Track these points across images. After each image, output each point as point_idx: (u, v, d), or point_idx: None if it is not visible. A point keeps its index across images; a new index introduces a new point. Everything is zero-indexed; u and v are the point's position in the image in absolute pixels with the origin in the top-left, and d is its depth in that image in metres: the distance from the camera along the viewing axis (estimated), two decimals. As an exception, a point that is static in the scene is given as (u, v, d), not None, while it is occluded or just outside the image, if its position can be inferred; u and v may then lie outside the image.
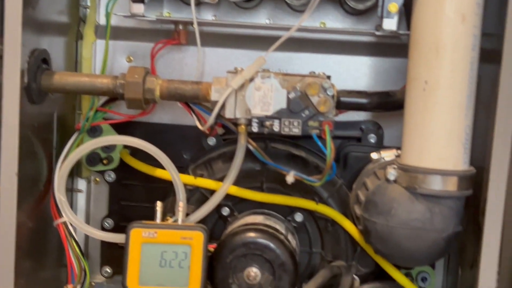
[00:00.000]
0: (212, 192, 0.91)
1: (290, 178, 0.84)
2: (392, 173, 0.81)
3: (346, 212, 0.92)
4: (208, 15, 1.01)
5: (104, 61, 0.93)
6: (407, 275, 0.97)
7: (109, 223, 1.01)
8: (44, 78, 0.85)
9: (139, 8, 0.88)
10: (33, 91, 0.84)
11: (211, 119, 0.85)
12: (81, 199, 1.06)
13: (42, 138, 0.91)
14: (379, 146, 0.95)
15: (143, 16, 0.90)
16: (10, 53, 0.79)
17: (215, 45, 1.01)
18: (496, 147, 0.76)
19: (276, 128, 0.84)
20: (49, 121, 0.93)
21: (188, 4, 0.97)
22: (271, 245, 0.84)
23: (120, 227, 1.00)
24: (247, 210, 0.95)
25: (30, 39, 0.83)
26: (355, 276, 0.92)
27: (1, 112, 0.80)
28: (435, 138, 0.76)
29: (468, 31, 0.75)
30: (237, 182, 0.89)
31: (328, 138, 0.82)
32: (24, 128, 0.82)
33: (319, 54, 1.00)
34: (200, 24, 0.95)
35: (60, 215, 0.90)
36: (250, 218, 0.92)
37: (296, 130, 0.84)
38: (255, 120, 0.84)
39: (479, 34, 0.76)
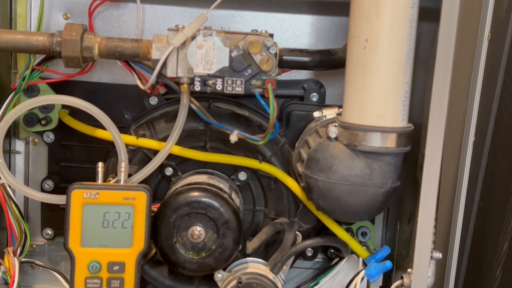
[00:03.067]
0: (155, 152, 0.90)
1: (233, 137, 0.84)
2: (333, 131, 0.82)
3: (289, 170, 0.93)
4: (147, -31, 0.98)
5: (39, 18, 0.90)
6: (348, 230, 0.99)
7: (49, 184, 0.99)
8: (-25, 35, 0.82)
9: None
10: (-36, 49, 0.80)
11: (152, 78, 0.84)
12: (19, 160, 1.03)
13: (-25, 98, 0.88)
14: (321, 104, 0.95)
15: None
16: None
17: (155, 2, 0.99)
18: (434, 104, 0.78)
19: (219, 87, 0.83)
20: (-18, 81, 0.90)
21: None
22: (215, 203, 0.85)
23: (60, 189, 0.98)
24: (191, 170, 0.95)
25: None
26: (297, 232, 0.93)
27: None
28: (374, 96, 0.78)
29: (408, -11, 0.76)
30: (180, 142, 0.88)
31: (271, 97, 0.82)
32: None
33: (262, 12, 1.00)
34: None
35: (-2, 177, 0.87)
36: (194, 178, 0.92)
37: (239, 89, 0.83)
38: (197, 79, 0.83)
39: (418, -8, 0.77)
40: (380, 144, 0.78)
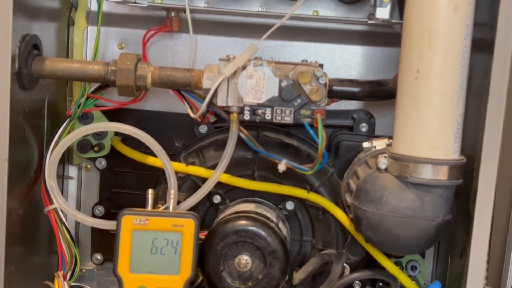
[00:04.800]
0: (203, 180, 0.90)
1: (281, 166, 0.84)
2: (383, 162, 0.81)
3: (337, 200, 0.92)
4: (201, 2, 1.00)
5: (95, 47, 0.93)
6: (397, 263, 0.97)
7: (100, 210, 1.01)
8: (35, 64, 0.85)
9: (131, -6, 0.88)
10: (24, 77, 0.83)
11: (203, 107, 0.85)
12: (72, 185, 1.05)
13: (33, 124, 0.90)
14: (371, 135, 0.95)
15: (135, 3, 0.90)
16: (1, 39, 0.78)
17: (207, 32, 1.01)
18: (487, 136, 0.76)
19: (268, 116, 0.84)
20: (40, 107, 0.93)
21: (180, -10, 0.97)
22: (262, 233, 0.84)
23: (111, 214, 1.00)
24: (239, 198, 0.95)
25: (21, 24, 0.82)
26: (345, 264, 0.92)
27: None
28: (426, 127, 0.77)
29: (461, 21, 0.75)
30: (228, 170, 0.88)
31: (320, 127, 0.82)
32: (15, 114, 0.82)
33: (312, 42, 1.00)
34: (192, 11, 0.95)
35: (51, 202, 0.89)
36: (241, 206, 0.92)
37: (288, 119, 0.84)
38: (247, 108, 0.84)
39: (471, 23, 0.76)
40: (431, 176, 0.77)
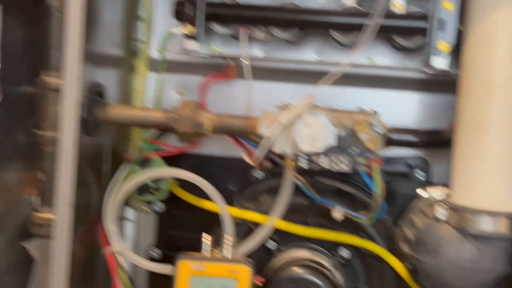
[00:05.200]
0: (258, 225, 0.91)
1: (337, 214, 0.85)
2: (441, 212, 0.80)
3: (393, 249, 0.91)
4: (257, 50, 1.02)
5: (157, 95, 0.96)
6: (454, 314, 0.95)
7: (156, 252, 1.03)
8: (99, 111, 0.88)
9: (192, 45, 0.91)
10: (89, 123, 0.87)
11: (259, 154, 0.86)
12: (129, 228, 1.08)
13: (94, 168, 0.93)
14: (427, 183, 0.94)
15: (196, 52, 0.93)
16: (69, 87, 0.82)
17: (262, 79, 1.03)
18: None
19: (324, 164, 0.84)
20: (101, 152, 0.96)
21: (237, 39, 1.00)
22: (317, 281, 0.84)
23: (167, 257, 1.01)
24: (293, 244, 0.95)
25: (88, 72, 0.86)
26: (401, 313, 0.91)
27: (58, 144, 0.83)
28: (485, 178, 0.76)
29: (520, 71, 0.75)
30: (283, 216, 0.89)
31: (377, 176, 0.82)
32: (79, 159, 0.85)
33: (366, 89, 1.01)
34: (249, 59, 0.98)
35: (110, 244, 0.91)
36: (295, 252, 0.92)
37: (345, 167, 0.84)
38: (303, 156, 0.85)
39: (531, 74, 0.76)
40: (491, 229, 0.76)
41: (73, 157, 0.82)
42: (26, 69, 0.94)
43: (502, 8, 0.74)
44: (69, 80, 0.82)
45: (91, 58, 0.87)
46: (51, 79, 0.85)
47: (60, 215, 0.83)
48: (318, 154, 0.84)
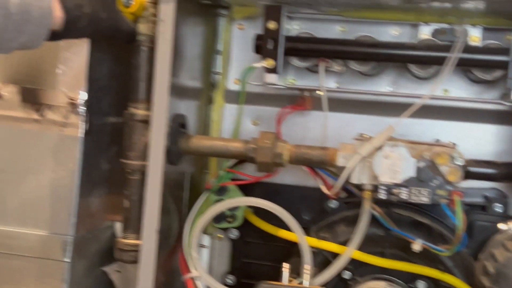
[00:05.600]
0: (334, 255, 0.92)
1: (417, 246, 0.85)
2: (524, 246, 0.80)
3: (471, 282, 0.90)
4: (332, 82, 1.04)
5: (236, 126, 0.99)
6: None
7: (231, 279, 1.05)
8: (183, 141, 0.92)
9: (273, 78, 0.94)
10: (172, 153, 0.90)
11: (338, 185, 0.88)
12: (204, 254, 1.10)
13: (175, 195, 0.97)
14: (506, 216, 0.93)
15: (275, 85, 0.95)
16: (157, 118, 0.86)
17: (337, 110, 1.05)
18: None
19: (404, 196, 0.85)
20: (181, 180, 0.99)
21: (313, 71, 1.02)
22: (395, 312, 0.84)
23: (241, 284, 1.03)
24: (369, 275, 0.96)
25: (172, 104, 0.90)
26: None
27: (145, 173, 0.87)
28: None
29: None
30: (359, 246, 0.90)
31: (458, 209, 0.82)
32: (163, 188, 0.88)
33: (442, 120, 1.01)
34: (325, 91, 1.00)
35: (189, 271, 0.94)
36: (371, 284, 0.93)
37: (425, 199, 0.84)
38: (383, 187, 0.86)
39: None
40: None
41: (160, 185, 0.86)
42: (111, 101, 0.99)
43: None
44: (157, 111, 0.86)
45: (176, 90, 0.91)
46: (138, 111, 0.89)
47: (146, 241, 0.86)
48: (397, 185, 0.85)
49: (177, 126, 0.91)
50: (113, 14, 0.83)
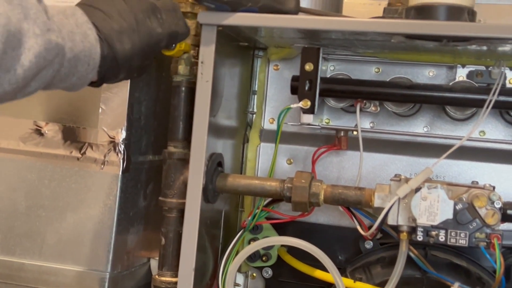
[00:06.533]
0: (371, 296, 0.92)
1: (455, 290, 0.84)
2: None
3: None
4: (366, 123, 1.05)
5: (272, 165, 0.99)
6: None
7: (264, 318, 1.05)
8: (219, 180, 0.93)
9: (308, 118, 0.95)
10: (209, 192, 0.91)
11: (375, 226, 0.88)
12: (238, 292, 1.10)
13: (211, 233, 0.97)
14: (545, 260, 0.92)
15: (311, 125, 0.96)
16: (195, 157, 0.87)
17: (371, 150, 1.05)
18: None
19: (442, 238, 0.84)
20: (218, 218, 1.00)
21: (347, 111, 1.03)
22: None
23: (276, 324, 1.03)
24: (404, 317, 0.95)
25: (210, 143, 0.91)
26: None
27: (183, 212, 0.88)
28: None
29: None
30: (396, 288, 0.89)
31: (497, 252, 0.81)
32: (200, 226, 0.89)
33: (478, 162, 1.01)
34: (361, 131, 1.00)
35: (222, 310, 0.94)
36: (408, 326, 0.92)
37: (463, 242, 0.84)
38: (420, 229, 0.85)
39: None
40: None
41: (197, 223, 0.87)
42: (150, 139, 1.02)
43: None
44: (196, 150, 0.87)
45: (214, 130, 0.92)
46: (177, 149, 0.90)
47: (183, 279, 0.87)
48: (435, 227, 0.85)
49: (214, 165, 0.93)
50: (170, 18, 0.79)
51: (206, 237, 0.94)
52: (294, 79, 0.96)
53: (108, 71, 0.72)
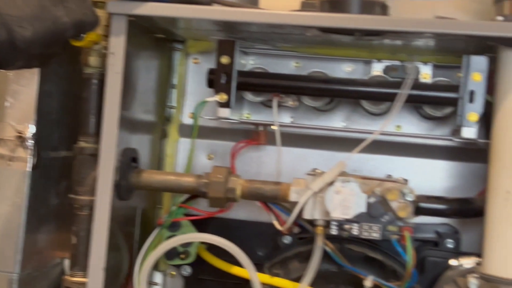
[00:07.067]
0: (288, 292, 0.91)
1: (368, 283, 0.84)
2: (473, 283, 0.80)
3: (424, 318, 0.90)
4: (286, 117, 1.05)
5: (189, 161, 0.97)
6: None
7: (183, 317, 1.03)
8: (133, 176, 0.90)
9: (225, 113, 0.93)
10: (122, 188, 0.88)
11: (290, 220, 0.87)
12: (156, 291, 1.08)
13: (126, 231, 0.95)
14: (457, 251, 0.94)
15: (228, 119, 0.95)
16: (106, 152, 0.84)
17: (291, 145, 1.05)
18: None
19: (355, 231, 0.85)
20: (132, 215, 0.97)
21: (268, 106, 1.02)
22: None
23: (194, 322, 1.01)
24: (322, 311, 0.95)
25: (123, 138, 0.88)
26: None
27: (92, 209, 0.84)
28: (519, 249, 0.76)
29: (552, 143, 0.76)
30: (313, 283, 0.89)
31: (408, 244, 0.82)
32: (111, 223, 0.86)
33: (394, 156, 1.02)
34: (279, 126, 1.00)
35: (139, 309, 0.92)
36: (325, 320, 0.92)
37: (376, 235, 0.84)
38: (334, 223, 0.85)
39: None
40: (526, 300, 0.75)
41: (107, 221, 0.84)
42: (61, 134, 0.97)
43: (531, 80, 0.76)
44: (106, 145, 0.84)
45: (127, 124, 0.90)
46: (88, 145, 0.87)
47: (93, 279, 0.83)
48: (348, 221, 0.85)
49: (128, 160, 0.90)
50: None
51: (120, 235, 0.92)
52: (211, 72, 0.94)
53: (5, 57, 0.69)
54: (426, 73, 0.96)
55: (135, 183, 0.90)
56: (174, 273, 1.07)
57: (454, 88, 0.88)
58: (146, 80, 0.97)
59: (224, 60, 0.92)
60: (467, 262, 0.86)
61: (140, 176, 0.91)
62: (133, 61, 0.89)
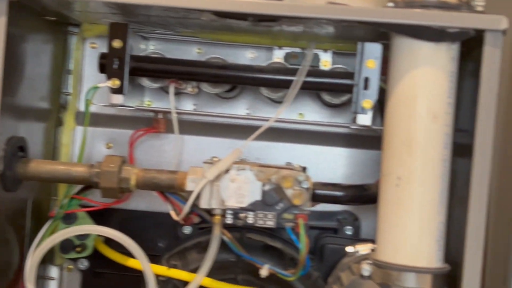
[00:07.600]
0: (185, 283, 0.89)
1: (264, 271, 0.83)
2: (366, 269, 0.80)
3: (323, 305, 0.90)
4: (188, 105, 1.02)
5: (81, 149, 0.93)
6: None
7: (80, 312, 0.99)
8: (19, 166, 0.85)
9: (118, 99, 0.90)
10: (7, 179, 0.83)
11: (185, 210, 0.85)
12: (53, 286, 1.03)
13: (15, 224, 0.90)
14: (356, 238, 0.94)
15: (123, 106, 0.91)
16: (-14, 142, 0.79)
17: (194, 133, 1.03)
18: (470, 243, 0.76)
19: (250, 220, 0.83)
20: (22, 207, 0.92)
21: (168, 92, 0.99)
22: None
23: (92, 317, 0.98)
24: (221, 302, 0.93)
25: (8, 126, 0.83)
26: None
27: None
28: (408, 235, 0.76)
29: (440, 130, 0.76)
30: (211, 274, 0.87)
31: (301, 232, 0.81)
32: (-4, 216, 0.82)
33: (297, 144, 1.02)
34: (179, 113, 0.97)
35: (30, 305, 0.87)
36: (224, 311, 0.90)
37: (271, 223, 0.83)
38: (229, 211, 0.84)
39: (451, 132, 0.77)
40: (414, 285, 0.76)
41: (-11, 214, 0.79)
42: None
43: (421, 67, 0.76)
44: (-13, 134, 0.79)
45: (13, 110, 0.85)
46: (-32, 133, 0.82)
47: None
48: (244, 210, 0.83)
49: (14, 150, 0.85)
50: None
51: (7, 229, 0.87)
52: (102, 56, 0.90)
53: None
54: (326, 60, 0.96)
55: (22, 173, 0.86)
56: (71, 267, 1.03)
57: (351, 75, 0.87)
58: (36, 65, 0.92)
59: (116, 44, 0.88)
60: (363, 249, 0.87)
61: (28, 166, 0.86)
62: (18, 44, 0.84)
